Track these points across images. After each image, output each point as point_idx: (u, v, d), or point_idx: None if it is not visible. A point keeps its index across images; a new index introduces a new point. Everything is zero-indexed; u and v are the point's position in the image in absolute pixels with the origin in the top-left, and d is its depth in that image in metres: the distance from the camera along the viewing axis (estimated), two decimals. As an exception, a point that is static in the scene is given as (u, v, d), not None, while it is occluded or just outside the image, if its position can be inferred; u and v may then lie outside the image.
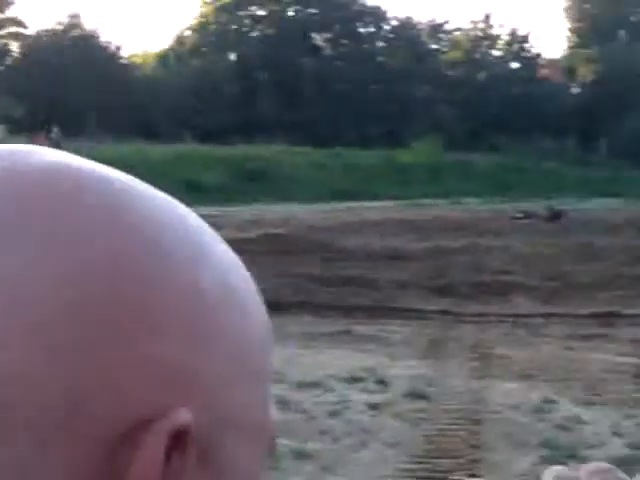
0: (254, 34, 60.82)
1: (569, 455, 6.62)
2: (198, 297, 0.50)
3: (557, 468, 0.73)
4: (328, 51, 59.81)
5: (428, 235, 22.47)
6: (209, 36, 60.35)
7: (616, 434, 7.51)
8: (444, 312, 13.02)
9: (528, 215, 28.69)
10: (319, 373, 9.17)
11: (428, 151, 44.50)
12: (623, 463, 5.53)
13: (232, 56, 60.85)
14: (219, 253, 0.54)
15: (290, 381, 8.63)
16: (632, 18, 61.84)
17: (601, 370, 9.60)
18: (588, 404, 8.35)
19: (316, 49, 59.79)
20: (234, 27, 60.64)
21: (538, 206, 30.53)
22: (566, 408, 8.21)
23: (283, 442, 6.64)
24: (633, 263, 17.96)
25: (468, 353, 10.51)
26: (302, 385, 8.70)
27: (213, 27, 60.68)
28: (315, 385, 8.75)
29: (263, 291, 0.58)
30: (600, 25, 59.76)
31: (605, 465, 0.71)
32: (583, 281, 15.71)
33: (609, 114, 51.56)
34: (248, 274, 0.56)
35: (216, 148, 41.78)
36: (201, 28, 61.05)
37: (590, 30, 61.10)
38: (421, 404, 8.29)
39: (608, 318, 12.52)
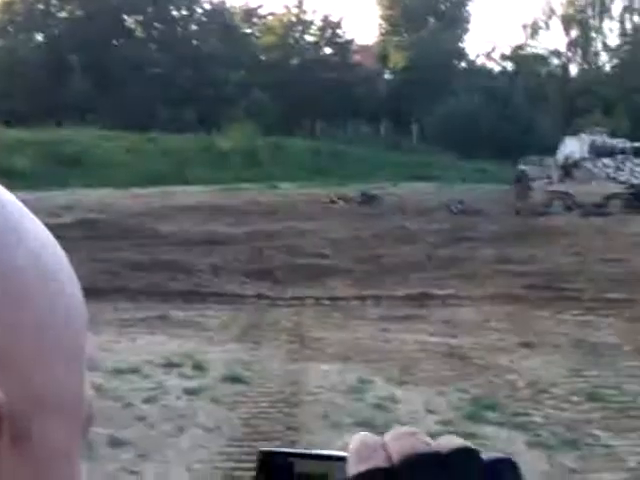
0: (62, 14, 59.11)
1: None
2: (11, 275, 0.50)
3: (364, 433, 0.73)
4: (140, 34, 58.76)
5: (244, 219, 22.48)
6: (15, 15, 58.27)
7: (429, 411, 7.68)
8: (260, 296, 13.03)
9: (342, 199, 29.10)
10: (135, 359, 9.01)
11: (243, 136, 44.43)
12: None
13: (39, 37, 58.98)
14: (33, 232, 0.53)
15: (105, 368, 8.44)
16: (441, 6, 63.53)
17: (414, 350, 9.81)
18: (402, 383, 8.51)
19: (128, 31, 58.67)
20: (41, 7, 58.75)
21: (352, 190, 31.01)
22: (381, 388, 8.34)
23: (99, 430, 6.49)
24: (444, 245, 18.49)
25: (285, 336, 10.55)
26: (118, 372, 8.52)
27: (19, 6, 58.57)
28: (131, 371, 8.59)
29: (78, 278, 0.56)
30: (411, 12, 61.12)
31: (410, 429, 0.72)
32: (396, 263, 16.04)
33: (420, 100, 52.82)
34: (63, 254, 0.56)
35: (25, 131, 40.47)
36: (6, 7, 58.87)
37: (401, 17, 62.39)
38: (238, 388, 8.26)
39: (421, 299, 12.81)
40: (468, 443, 0.71)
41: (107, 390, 7.83)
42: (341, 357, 9.49)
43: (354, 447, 0.72)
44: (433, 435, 0.73)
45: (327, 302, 12.73)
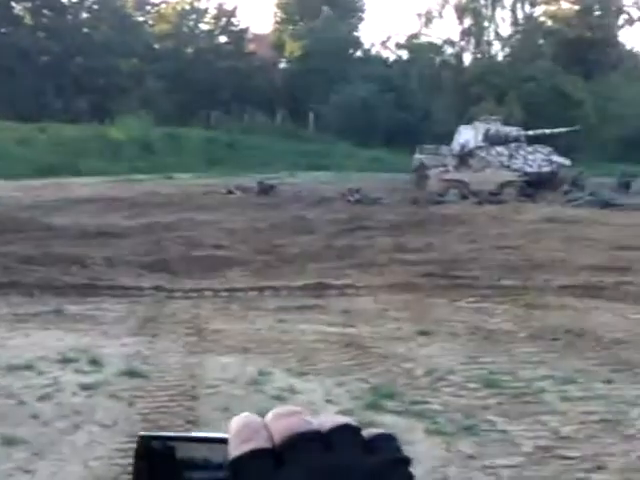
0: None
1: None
2: None
3: (244, 414, 0.75)
4: (29, 21, 57.44)
5: (140, 211, 22.25)
6: None
7: (329, 402, 7.71)
8: (158, 288, 12.88)
9: (240, 189, 29.00)
10: (29, 355, 8.82)
11: (138, 126, 43.90)
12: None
13: None
14: None
15: (-2, 366, 8.26)
16: (336, -5, 63.75)
17: (313, 341, 9.83)
18: (302, 374, 8.52)
19: (16, 19, 57.30)
20: None
21: (249, 180, 30.95)
22: (281, 379, 8.33)
23: (-9, 430, 6.35)
24: (342, 235, 18.57)
25: (183, 329, 10.45)
26: (11, 369, 8.33)
27: None
28: (25, 368, 8.41)
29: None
30: (306, 1, 61.14)
31: (292, 408, 0.74)
32: (294, 253, 16.05)
33: (316, 89, 52.89)
34: None
35: None
36: None
37: (296, 6, 62.39)
38: (136, 382, 8.15)
39: (319, 289, 12.83)
40: (349, 420, 0.74)
41: (0, 387, 7.65)
42: (240, 349, 9.45)
43: (235, 429, 0.73)
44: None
45: (225, 293, 12.65)
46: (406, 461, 0.75)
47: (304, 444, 0.71)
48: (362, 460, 0.72)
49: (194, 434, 0.79)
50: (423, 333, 10.21)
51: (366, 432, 0.75)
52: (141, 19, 62.25)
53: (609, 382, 8.29)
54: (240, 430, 0.73)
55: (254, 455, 0.71)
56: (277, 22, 64.52)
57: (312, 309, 11.62)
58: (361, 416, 7.16)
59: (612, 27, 60.58)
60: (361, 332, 10.29)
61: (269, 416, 0.74)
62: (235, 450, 0.72)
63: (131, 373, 8.38)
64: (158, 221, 19.96)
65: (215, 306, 11.86)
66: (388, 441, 0.75)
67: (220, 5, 61.11)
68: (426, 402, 7.69)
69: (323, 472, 0.70)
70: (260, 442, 0.72)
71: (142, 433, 0.78)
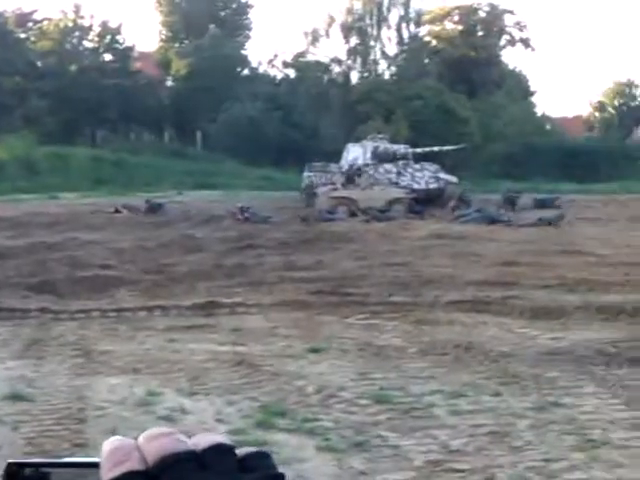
0: None
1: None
2: None
3: (116, 437, 0.74)
4: None
5: (24, 231, 21.78)
6: None
7: (219, 421, 7.64)
8: (43, 310, 12.60)
9: (127, 208, 28.67)
10: None
11: (21, 145, 43.04)
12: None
13: None
14: None
15: None
16: (222, 13, 63.61)
17: (204, 360, 9.73)
18: (192, 394, 8.43)
19: None
20: None
21: (137, 199, 30.64)
22: (171, 399, 8.23)
23: None
24: (231, 253, 18.50)
25: (70, 351, 10.23)
26: None
27: None
28: None
29: None
30: (191, 19, 60.89)
31: (165, 429, 0.74)
32: (184, 272, 15.92)
33: (204, 107, 52.70)
34: None
35: None
36: None
37: (181, 24, 62.09)
38: (22, 406, 7.94)
39: (209, 308, 12.73)
40: (223, 439, 0.74)
41: None
42: (129, 370, 9.30)
43: (106, 452, 0.72)
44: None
45: (113, 314, 12.45)
46: (280, 478, 0.75)
47: (178, 465, 0.71)
48: (236, 479, 0.72)
49: (67, 459, 0.79)
50: (314, 350, 10.21)
51: (240, 450, 0.74)
52: (23, 36, 61.04)
53: (497, 395, 8.41)
54: (112, 453, 0.72)
55: (127, 478, 0.70)
56: (162, 40, 64.01)
57: (202, 328, 11.52)
58: (252, 435, 7.12)
59: (495, 47, 62.01)
60: (252, 350, 10.23)
61: (141, 438, 0.73)
62: (108, 473, 0.71)
63: (15, 397, 8.16)
64: (44, 241, 19.58)
65: (103, 327, 11.66)
66: (262, 459, 0.75)
67: (104, 23, 60.30)
68: (317, 419, 7.68)
69: None
70: (133, 464, 0.71)
71: (11, 460, 0.76)
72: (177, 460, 0.70)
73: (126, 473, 0.70)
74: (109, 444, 0.73)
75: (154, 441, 0.72)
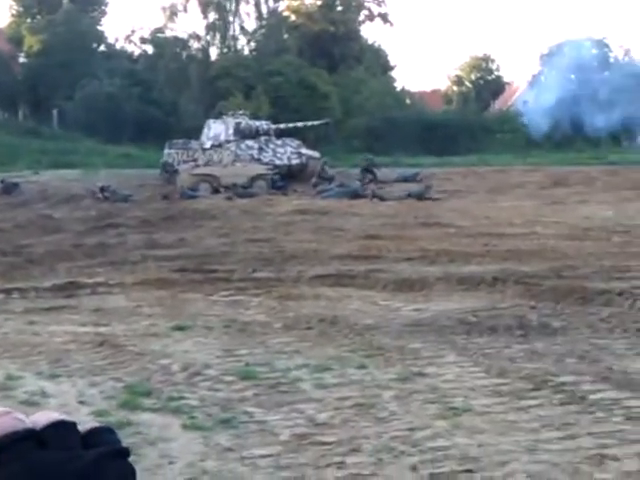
0: None
1: None
2: None
3: None
4: None
5: None
6: None
7: (82, 403, 7.49)
8: None
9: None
10: None
11: None
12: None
13: None
14: None
15: None
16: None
17: (65, 342, 9.52)
18: (54, 376, 8.23)
19: None
20: None
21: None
22: (31, 383, 8.02)
23: None
24: (91, 233, 18.19)
25: None
26: None
27: None
28: None
29: None
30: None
31: (2, 408, 0.72)
32: (42, 253, 15.55)
33: (59, 84, 51.47)
34: None
35: None
36: None
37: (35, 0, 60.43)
38: None
39: (69, 289, 12.46)
40: (64, 416, 0.73)
41: None
42: (-13, 355, 9.03)
43: None
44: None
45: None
46: (125, 453, 0.73)
47: (17, 444, 0.69)
48: (78, 455, 0.70)
49: None
50: (178, 328, 10.11)
51: (83, 427, 0.73)
52: None
53: (362, 367, 8.48)
54: None
55: None
56: (13, 15, 62.15)
57: (62, 309, 11.27)
58: (116, 416, 7.00)
59: (354, 22, 62.43)
60: (115, 330, 10.06)
61: None
62: None
63: None
64: None
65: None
66: (106, 434, 0.74)
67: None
68: (183, 398, 7.60)
69: (39, 471, 0.68)
70: None
71: None
72: (15, 439, 0.68)
73: None
74: None
75: None
